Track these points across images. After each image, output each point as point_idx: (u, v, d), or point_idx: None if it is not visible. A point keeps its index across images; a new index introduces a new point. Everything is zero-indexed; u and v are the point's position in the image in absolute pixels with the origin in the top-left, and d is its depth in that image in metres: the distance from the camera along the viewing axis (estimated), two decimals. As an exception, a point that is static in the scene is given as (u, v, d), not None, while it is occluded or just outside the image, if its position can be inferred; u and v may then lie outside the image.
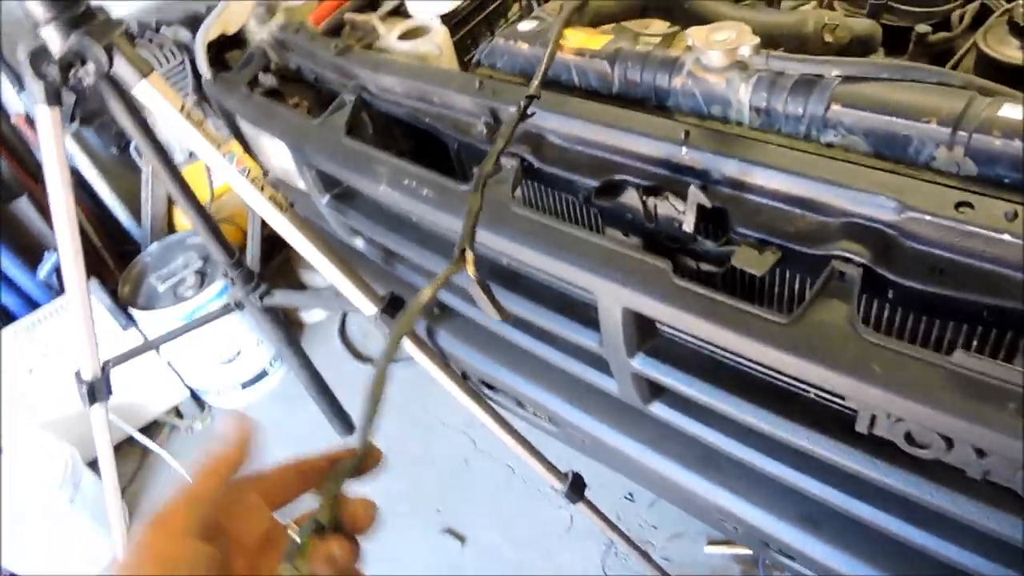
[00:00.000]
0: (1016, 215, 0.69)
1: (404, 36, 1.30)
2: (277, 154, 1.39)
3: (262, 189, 1.18)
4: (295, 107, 1.41)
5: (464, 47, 1.38)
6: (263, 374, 2.71)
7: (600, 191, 0.95)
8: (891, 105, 0.80)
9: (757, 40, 0.85)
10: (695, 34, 0.88)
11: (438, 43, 1.23)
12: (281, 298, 1.46)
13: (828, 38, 1.14)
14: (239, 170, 1.16)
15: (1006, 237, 0.68)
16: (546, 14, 1.15)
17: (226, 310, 1.56)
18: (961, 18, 1.17)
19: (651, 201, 0.89)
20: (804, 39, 1.15)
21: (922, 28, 1.14)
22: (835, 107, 0.83)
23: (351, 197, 1.31)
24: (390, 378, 0.52)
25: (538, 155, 1.00)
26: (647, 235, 0.91)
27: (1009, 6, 1.10)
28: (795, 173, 0.80)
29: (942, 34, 1.16)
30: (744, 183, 0.84)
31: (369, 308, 1.26)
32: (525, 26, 1.10)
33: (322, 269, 1.22)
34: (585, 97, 1.02)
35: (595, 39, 1.02)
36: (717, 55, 0.87)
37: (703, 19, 1.21)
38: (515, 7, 1.38)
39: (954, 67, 1.13)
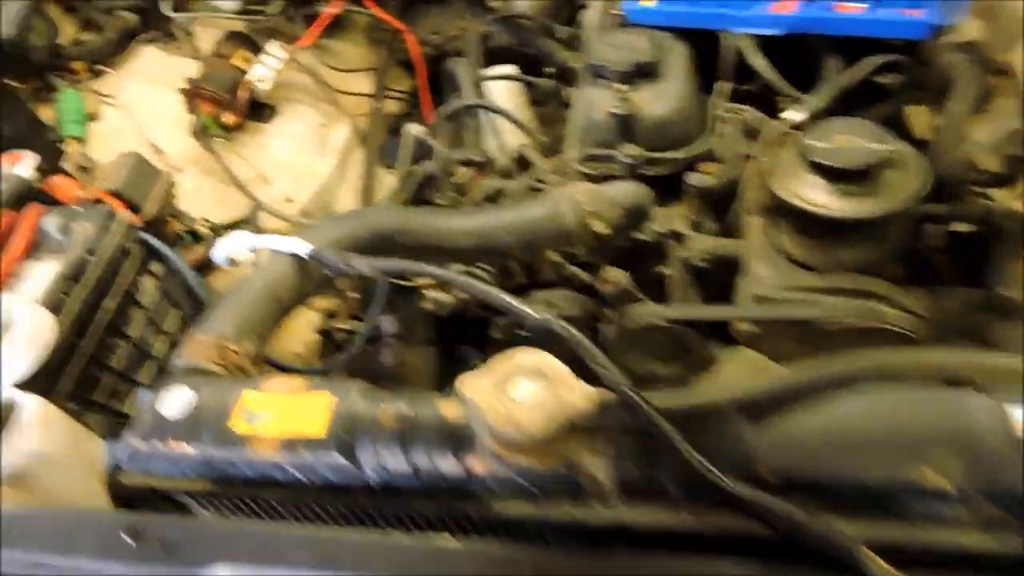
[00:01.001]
0: None
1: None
2: None
3: None
4: None
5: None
6: None
7: None
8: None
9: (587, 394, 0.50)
10: (481, 399, 0.50)
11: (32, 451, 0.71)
12: None
13: (598, 227, 0.84)
14: None
15: None
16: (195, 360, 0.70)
17: None
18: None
19: None
20: (568, 236, 0.85)
21: (696, 180, 0.88)
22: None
23: None
24: None
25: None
26: None
27: (793, 129, 0.87)
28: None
29: (713, 174, 0.90)
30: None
31: None
32: (174, 409, 0.63)
33: None
34: (320, 499, 0.60)
35: (301, 407, 0.60)
36: (525, 429, 0.50)
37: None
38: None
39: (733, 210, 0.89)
